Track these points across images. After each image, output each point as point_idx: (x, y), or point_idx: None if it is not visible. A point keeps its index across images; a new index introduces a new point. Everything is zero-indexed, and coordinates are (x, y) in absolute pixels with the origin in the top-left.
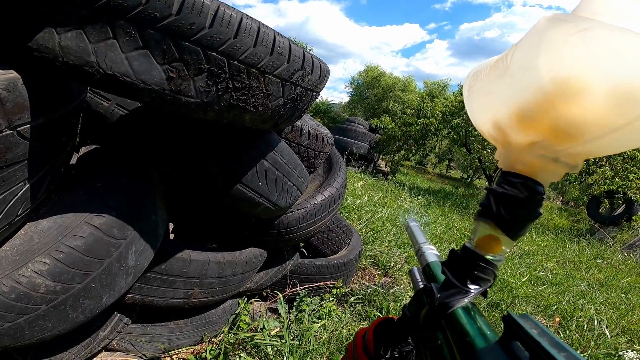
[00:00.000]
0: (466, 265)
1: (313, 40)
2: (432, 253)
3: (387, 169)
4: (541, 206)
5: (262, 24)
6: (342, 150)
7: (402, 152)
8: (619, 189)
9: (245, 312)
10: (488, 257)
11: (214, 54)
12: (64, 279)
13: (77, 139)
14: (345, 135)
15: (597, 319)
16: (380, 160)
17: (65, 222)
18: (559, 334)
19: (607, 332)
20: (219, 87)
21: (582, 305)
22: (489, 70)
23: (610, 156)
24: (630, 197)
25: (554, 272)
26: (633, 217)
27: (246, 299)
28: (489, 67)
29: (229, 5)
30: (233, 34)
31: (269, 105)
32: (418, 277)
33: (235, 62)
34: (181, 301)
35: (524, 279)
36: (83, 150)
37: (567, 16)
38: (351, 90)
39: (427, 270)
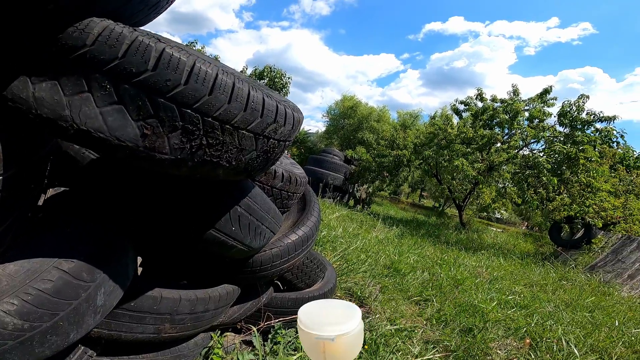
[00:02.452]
0: None
1: (292, 68)
2: None
3: (363, 195)
4: None
5: (238, 78)
6: (317, 182)
7: (377, 182)
8: (578, 215)
9: (219, 346)
10: None
11: (189, 110)
12: (32, 317)
13: (45, 181)
14: (320, 166)
15: (566, 339)
16: (361, 189)
17: (33, 266)
18: (530, 355)
19: (576, 351)
20: (193, 143)
21: (550, 326)
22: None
23: (567, 184)
24: (589, 221)
25: (522, 295)
26: (592, 240)
27: (219, 332)
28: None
29: (205, 60)
30: (208, 90)
31: (242, 159)
32: None
33: (210, 119)
34: (151, 336)
35: (494, 303)
36: (51, 192)
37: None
38: (327, 119)
39: None
